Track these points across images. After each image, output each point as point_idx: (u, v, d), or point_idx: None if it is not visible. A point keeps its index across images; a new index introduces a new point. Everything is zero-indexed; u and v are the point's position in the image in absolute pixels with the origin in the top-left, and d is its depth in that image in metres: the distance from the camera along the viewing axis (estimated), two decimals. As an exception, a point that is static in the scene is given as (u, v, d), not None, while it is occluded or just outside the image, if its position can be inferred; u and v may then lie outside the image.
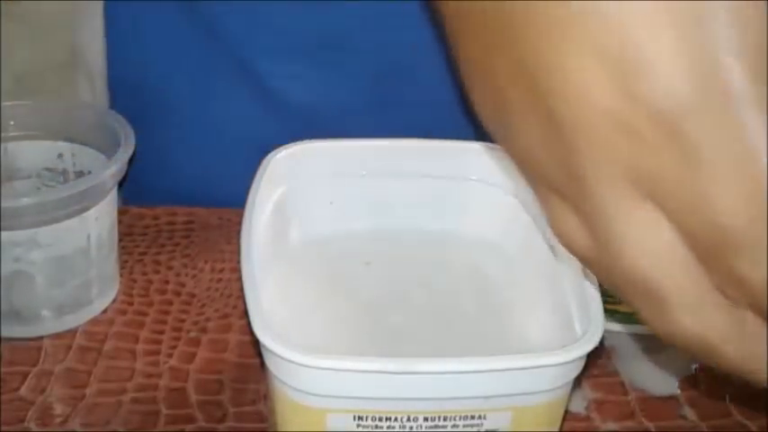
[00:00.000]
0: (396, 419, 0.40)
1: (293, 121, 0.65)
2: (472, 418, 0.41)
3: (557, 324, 0.45)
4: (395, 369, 0.38)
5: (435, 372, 0.39)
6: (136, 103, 0.67)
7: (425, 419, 0.40)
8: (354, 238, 0.51)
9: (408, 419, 0.40)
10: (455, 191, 0.51)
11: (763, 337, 0.29)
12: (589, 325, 0.41)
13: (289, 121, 0.65)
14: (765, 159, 0.26)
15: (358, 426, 0.40)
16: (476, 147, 0.51)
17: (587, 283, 0.43)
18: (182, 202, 0.65)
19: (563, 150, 0.30)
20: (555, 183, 0.32)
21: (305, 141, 0.51)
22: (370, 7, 0.62)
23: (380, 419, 0.40)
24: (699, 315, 0.30)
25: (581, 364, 0.40)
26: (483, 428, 0.41)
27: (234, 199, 0.55)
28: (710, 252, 0.28)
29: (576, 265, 0.44)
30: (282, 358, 0.38)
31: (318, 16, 0.63)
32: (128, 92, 0.69)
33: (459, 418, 0.40)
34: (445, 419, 0.40)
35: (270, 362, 0.40)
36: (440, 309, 0.48)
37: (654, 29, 0.27)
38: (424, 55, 0.63)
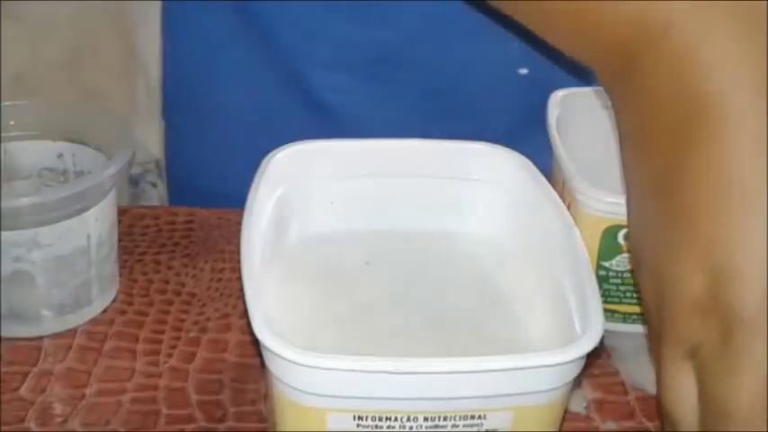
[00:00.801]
0: (396, 419, 0.40)
1: (340, 132, 0.66)
2: (472, 418, 0.41)
3: (557, 324, 0.45)
4: (395, 369, 0.38)
5: (435, 372, 0.39)
6: (188, 104, 0.69)
7: (425, 419, 0.40)
8: (354, 238, 0.51)
9: (408, 419, 0.40)
10: (455, 191, 0.51)
11: None
12: (589, 325, 0.41)
13: (336, 132, 0.66)
14: None
15: (358, 426, 0.40)
16: (476, 147, 0.51)
17: (587, 283, 0.43)
18: (226, 204, 0.66)
19: (658, 310, 0.39)
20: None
21: (305, 141, 0.51)
22: (422, 24, 0.63)
23: (380, 419, 0.40)
24: None
25: (581, 363, 0.40)
26: (483, 428, 0.41)
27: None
28: (711, 415, 0.36)
29: (576, 265, 0.44)
30: (282, 358, 0.38)
31: (372, 31, 0.64)
32: (180, 92, 0.70)
33: (459, 418, 0.40)
34: (445, 419, 0.40)
35: (270, 362, 0.40)
36: (439, 308, 0.48)
37: (748, 251, 0.35)
38: (472, 73, 0.64)
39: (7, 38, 1.48)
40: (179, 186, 0.75)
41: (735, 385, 0.35)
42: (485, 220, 0.51)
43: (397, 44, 0.64)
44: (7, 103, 0.57)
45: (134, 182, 0.80)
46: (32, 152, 0.58)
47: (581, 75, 0.59)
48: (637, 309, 0.55)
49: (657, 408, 0.40)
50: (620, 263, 0.53)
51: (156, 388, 0.52)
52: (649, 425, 0.50)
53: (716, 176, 0.35)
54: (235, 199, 0.66)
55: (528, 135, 0.56)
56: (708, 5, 0.37)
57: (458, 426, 0.41)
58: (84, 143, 0.57)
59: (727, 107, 0.36)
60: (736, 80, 0.36)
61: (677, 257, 0.37)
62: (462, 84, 0.65)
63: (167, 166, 0.76)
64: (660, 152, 0.38)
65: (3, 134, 0.57)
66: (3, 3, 1.45)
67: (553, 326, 0.46)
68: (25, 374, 0.52)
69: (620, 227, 0.52)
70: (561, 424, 0.43)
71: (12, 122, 0.57)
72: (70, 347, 0.54)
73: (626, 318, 0.55)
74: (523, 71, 0.65)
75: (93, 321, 0.56)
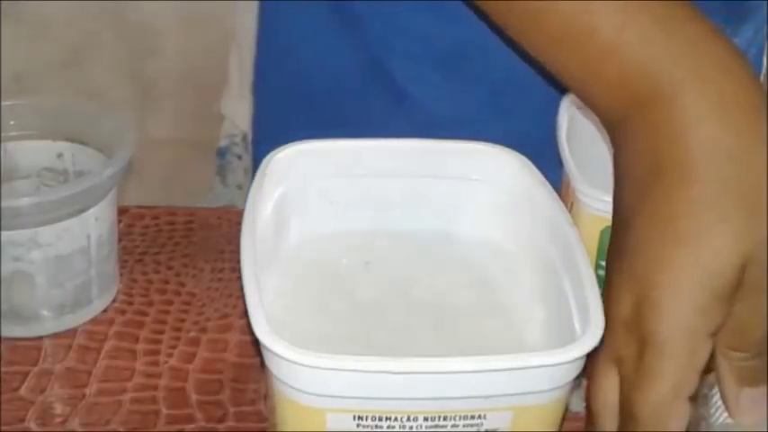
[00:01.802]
0: (396, 419, 0.40)
1: (418, 122, 0.67)
2: (472, 417, 0.41)
3: (556, 324, 0.45)
4: (395, 369, 0.38)
5: (435, 372, 0.39)
6: (277, 83, 0.72)
7: (425, 419, 0.40)
8: (354, 238, 0.51)
9: (408, 419, 0.40)
10: (455, 190, 0.51)
11: None
12: (589, 325, 0.41)
13: (414, 122, 0.67)
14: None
15: (358, 426, 0.40)
16: (476, 147, 0.51)
17: (587, 283, 0.43)
18: None
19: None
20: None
21: (305, 141, 0.51)
22: None
23: (380, 419, 0.40)
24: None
25: (581, 363, 0.40)
26: (483, 428, 0.41)
27: None
28: (624, 415, 0.42)
29: (575, 265, 0.44)
30: (282, 358, 0.38)
31: (451, 27, 0.65)
32: (271, 71, 0.72)
33: (459, 418, 0.40)
34: (445, 419, 0.40)
35: (270, 362, 0.40)
36: (439, 308, 0.48)
37: (668, 285, 0.41)
38: (538, 72, 0.65)
39: (7, 38, 1.48)
40: (261, 162, 0.77)
41: (643, 394, 0.41)
42: (484, 220, 0.51)
43: (473, 41, 0.65)
44: (7, 102, 0.57)
45: (221, 154, 0.81)
46: (32, 152, 0.58)
47: None
48: None
49: (586, 402, 0.45)
50: None
51: (156, 388, 0.52)
52: (649, 425, 0.50)
53: (658, 223, 0.41)
54: None
55: None
56: (706, 88, 0.42)
57: (458, 426, 0.41)
58: (84, 143, 0.57)
59: (692, 174, 0.41)
60: (708, 158, 0.41)
61: (617, 283, 0.43)
62: (528, 82, 0.67)
63: (253, 140, 0.78)
64: (628, 194, 0.44)
65: (3, 134, 0.57)
66: (3, 3, 1.45)
67: (553, 326, 0.46)
68: (25, 374, 0.52)
69: None
70: (561, 424, 0.43)
71: (12, 122, 0.57)
72: (70, 347, 0.54)
73: None
74: None
75: (93, 321, 0.56)
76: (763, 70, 0.71)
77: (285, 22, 0.71)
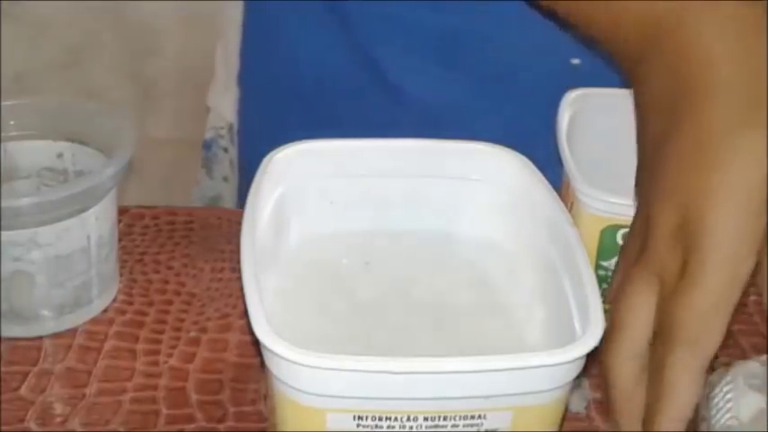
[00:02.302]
0: (396, 419, 0.40)
1: (409, 112, 0.68)
2: (472, 417, 0.41)
3: (556, 324, 0.45)
4: (395, 369, 0.38)
5: (435, 372, 0.39)
6: (263, 75, 0.72)
7: (425, 419, 0.40)
8: (354, 238, 0.51)
9: (408, 419, 0.40)
10: (455, 190, 0.51)
11: None
12: (589, 325, 0.41)
13: (405, 112, 0.68)
14: None
15: (358, 426, 0.40)
16: (476, 147, 0.51)
17: (587, 283, 0.43)
18: None
19: (642, 241, 0.45)
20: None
21: (305, 141, 0.51)
22: (487, 10, 0.65)
23: (380, 419, 0.40)
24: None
25: (581, 363, 0.40)
26: (483, 428, 0.41)
27: None
28: (663, 328, 0.43)
29: (575, 265, 0.44)
30: (282, 358, 0.38)
31: (444, 15, 0.65)
32: (256, 63, 0.73)
33: (459, 418, 0.40)
34: (445, 419, 0.40)
35: (270, 362, 0.40)
36: (439, 308, 0.48)
37: (712, 199, 0.43)
38: (528, 60, 0.66)
39: (7, 38, 1.48)
40: (248, 154, 0.77)
41: (686, 301, 0.42)
42: (484, 220, 0.51)
43: (464, 29, 0.66)
44: (7, 102, 0.57)
45: (207, 146, 0.82)
46: (32, 152, 0.58)
47: None
48: None
49: (612, 320, 0.45)
50: None
51: (156, 388, 0.52)
52: (649, 425, 0.50)
53: (695, 140, 0.44)
54: None
55: None
56: (714, 6, 0.46)
57: (458, 425, 0.41)
58: (84, 143, 0.57)
59: (713, 87, 0.45)
60: (723, 65, 0.45)
61: (660, 201, 0.44)
62: (520, 70, 0.67)
63: (239, 132, 0.78)
64: (658, 121, 0.46)
65: (3, 134, 0.57)
66: (3, 3, 1.45)
67: (553, 326, 0.46)
68: (25, 374, 0.52)
69: (618, 227, 0.52)
70: (561, 424, 0.43)
71: (12, 122, 0.57)
72: (70, 347, 0.54)
73: None
74: (576, 61, 0.67)
75: (93, 321, 0.56)
76: None
77: (271, 14, 0.71)
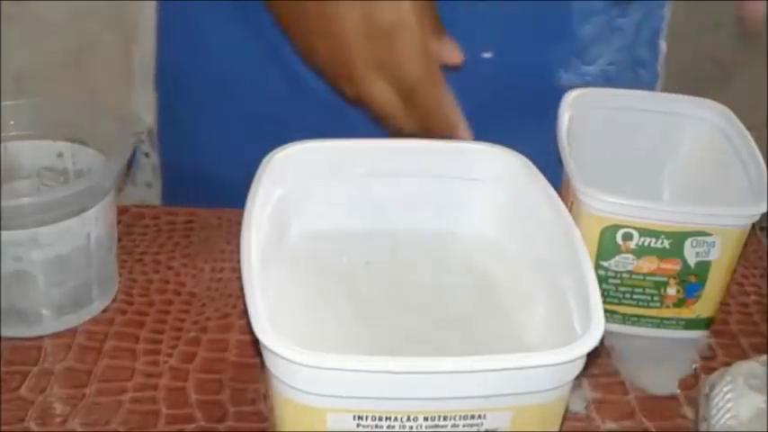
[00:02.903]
0: (396, 419, 0.40)
1: (318, 105, 0.66)
2: (472, 417, 0.41)
3: (556, 324, 0.45)
4: (396, 369, 0.38)
5: (436, 371, 0.39)
6: (179, 77, 0.71)
7: (425, 419, 0.40)
8: (354, 238, 0.51)
9: (408, 419, 0.40)
10: (455, 190, 0.51)
11: None
12: (589, 324, 0.41)
13: (314, 105, 0.67)
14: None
15: (358, 425, 0.40)
16: (476, 147, 0.51)
17: (588, 283, 0.43)
18: (212, 177, 0.67)
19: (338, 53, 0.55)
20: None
21: (304, 141, 0.51)
22: None
23: (380, 419, 0.40)
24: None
25: (581, 363, 0.40)
26: (483, 428, 0.41)
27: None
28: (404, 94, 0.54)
29: (576, 264, 0.44)
30: (282, 358, 0.38)
31: None
32: (172, 65, 0.72)
33: (459, 418, 0.40)
34: (445, 419, 0.40)
35: (270, 361, 0.40)
36: (439, 308, 0.48)
37: None
38: None
39: (7, 38, 1.48)
40: (169, 159, 0.77)
41: (407, 69, 0.53)
42: (484, 220, 0.51)
43: None
44: (7, 102, 0.57)
45: None
46: (32, 152, 0.58)
47: (546, 61, 0.61)
48: (636, 310, 0.55)
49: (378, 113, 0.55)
50: (620, 263, 0.53)
51: (156, 388, 0.52)
52: (649, 425, 0.51)
53: None
54: (220, 170, 0.68)
55: (493, 119, 0.58)
56: None
57: (458, 425, 0.41)
58: (84, 143, 0.57)
59: None
60: None
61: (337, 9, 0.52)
62: None
63: (159, 136, 0.77)
64: None
65: (3, 134, 0.57)
66: (3, 3, 1.45)
67: (553, 326, 0.46)
68: (25, 374, 0.52)
69: (618, 227, 0.52)
70: (562, 423, 0.43)
71: (12, 122, 0.57)
72: (70, 347, 0.54)
73: (625, 319, 0.55)
74: (487, 55, 0.67)
75: (93, 321, 0.56)
76: (661, 55, 0.72)
77: (185, 15, 0.70)
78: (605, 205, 0.51)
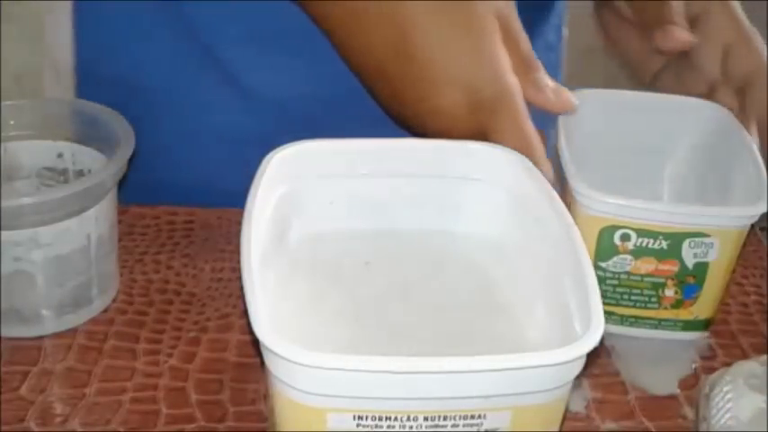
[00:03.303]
0: (396, 419, 0.40)
1: (263, 110, 0.66)
2: (472, 417, 0.41)
3: (556, 323, 0.45)
4: (396, 369, 0.38)
5: (436, 371, 0.39)
6: (104, 96, 0.65)
7: (425, 419, 0.40)
8: (354, 238, 0.51)
9: (408, 419, 0.40)
10: (455, 190, 0.51)
11: None
12: (589, 324, 0.41)
13: (258, 110, 0.66)
14: None
15: (358, 425, 0.40)
16: (476, 147, 0.51)
17: (588, 283, 0.43)
18: (147, 186, 0.66)
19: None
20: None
21: (304, 141, 0.51)
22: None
23: (380, 419, 0.40)
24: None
25: (581, 363, 0.40)
26: (483, 428, 0.41)
27: (212, 193, 0.59)
28: None
29: (576, 264, 0.44)
30: (282, 358, 0.38)
31: (286, 7, 0.61)
32: (96, 84, 0.69)
33: (459, 418, 0.40)
34: (445, 419, 0.40)
35: (270, 361, 0.40)
36: (439, 308, 0.48)
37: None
38: None
39: (7, 38, 1.48)
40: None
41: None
42: (484, 220, 0.51)
43: (304, 22, 0.61)
44: (7, 102, 0.57)
45: None
46: (32, 152, 0.58)
47: None
48: (634, 311, 0.55)
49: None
50: (618, 264, 0.53)
51: (156, 388, 0.52)
52: (649, 425, 0.51)
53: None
54: (161, 175, 0.67)
55: None
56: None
57: (458, 425, 0.41)
58: (84, 143, 0.57)
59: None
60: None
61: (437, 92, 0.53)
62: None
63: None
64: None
65: (3, 134, 0.57)
66: (3, 3, 1.45)
67: (553, 326, 0.46)
68: (25, 374, 0.52)
69: (616, 227, 0.52)
70: (562, 424, 0.43)
71: (12, 122, 0.57)
72: (70, 347, 0.54)
73: (623, 320, 0.55)
74: None
75: (94, 321, 0.56)
76: (563, 40, 0.72)
77: (105, 21, 0.67)
78: (603, 206, 0.51)
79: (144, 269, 0.60)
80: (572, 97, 0.55)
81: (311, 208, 0.51)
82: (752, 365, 0.49)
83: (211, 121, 0.67)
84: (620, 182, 0.56)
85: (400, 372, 0.38)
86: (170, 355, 0.54)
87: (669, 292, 0.54)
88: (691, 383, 0.53)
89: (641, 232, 0.52)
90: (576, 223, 0.48)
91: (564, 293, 0.45)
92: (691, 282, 0.54)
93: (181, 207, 0.65)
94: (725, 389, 0.48)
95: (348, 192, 0.51)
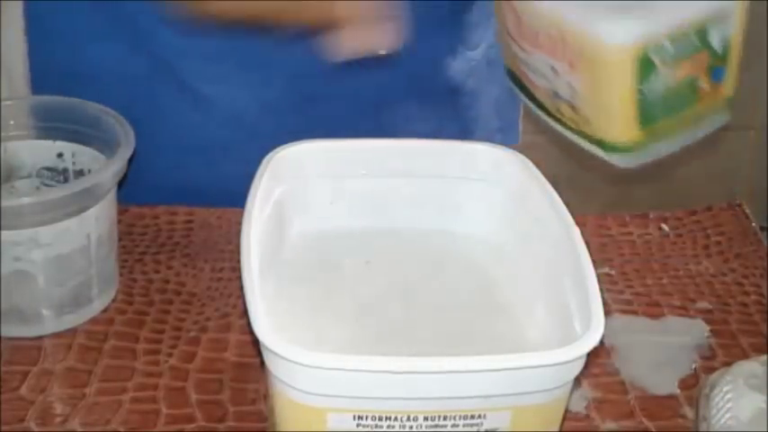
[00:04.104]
0: (396, 419, 0.40)
1: (215, 116, 0.66)
2: (472, 417, 0.41)
3: (556, 323, 0.45)
4: (396, 368, 0.38)
5: (436, 371, 0.39)
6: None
7: (425, 419, 0.40)
8: (354, 237, 0.51)
9: (408, 419, 0.40)
10: (455, 190, 0.51)
11: None
12: (589, 324, 0.41)
13: (210, 118, 0.66)
14: None
15: (358, 425, 0.40)
16: (476, 147, 0.51)
17: (588, 283, 0.43)
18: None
19: None
20: None
21: (304, 141, 0.51)
22: None
23: (380, 419, 0.40)
24: None
25: (581, 363, 0.40)
26: (483, 428, 0.41)
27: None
28: None
29: (577, 264, 0.44)
30: (282, 358, 0.38)
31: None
32: (49, 90, 0.66)
33: (459, 418, 0.40)
34: (445, 419, 0.40)
35: (270, 361, 0.40)
36: (440, 307, 0.48)
37: None
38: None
39: (7, 37, 1.48)
40: None
41: None
42: (484, 219, 0.51)
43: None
44: (7, 102, 0.57)
45: None
46: (32, 151, 0.58)
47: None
48: (675, 120, 0.52)
49: None
50: (658, 80, 0.50)
51: (156, 387, 0.52)
52: (649, 424, 0.51)
53: None
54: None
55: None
56: None
57: (458, 425, 0.41)
58: (84, 143, 0.57)
59: None
60: None
61: None
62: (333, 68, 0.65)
63: None
64: None
65: (3, 134, 0.57)
66: (2, 3, 1.45)
67: (553, 325, 0.46)
68: (25, 374, 0.52)
69: (648, 47, 0.49)
70: (562, 424, 0.43)
71: (12, 122, 0.57)
72: (70, 347, 0.54)
73: (669, 133, 0.53)
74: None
75: (94, 321, 0.56)
76: None
77: (59, 34, 0.67)
78: (631, 32, 0.49)
79: (144, 269, 0.60)
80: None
81: (311, 208, 0.51)
82: (752, 365, 0.49)
83: (158, 123, 0.66)
84: None
85: (400, 372, 0.38)
86: (170, 355, 0.54)
87: (703, 85, 0.52)
88: (691, 383, 0.53)
89: (674, 38, 0.49)
90: (607, 60, 0.47)
91: (564, 293, 0.45)
92: (719, 65, 0.52)
93: (181, 207, 0.65)
94: (725, 389, 0.48)
95: (348, 191, 0.51)
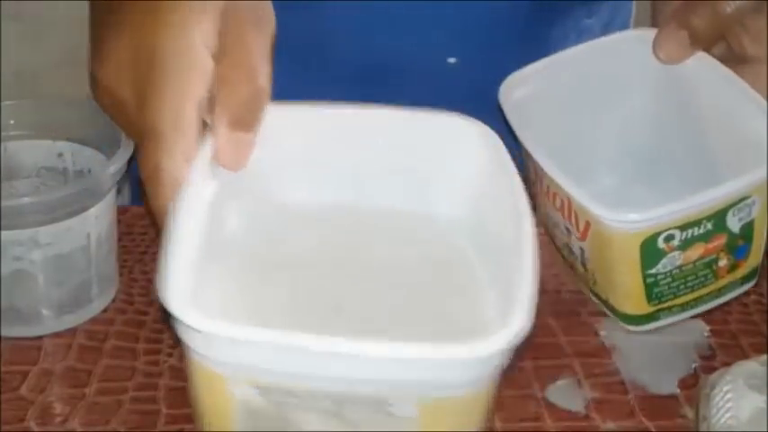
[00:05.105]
0: (300, 396, 0.39)
1: None
2: (377, 403, 0.39)
3: (501, 309, 0.42)
4: (288, 343, 0.37)
5: (338, 352, 0.37)
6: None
7: (330, 400, 0.39)
8: (313, 213, 0.50)
9: (313, 397, 0.39)
10: (419, 166, 0.50)
11: None
12: (509, 321, 0.38)
13: None
14: None
15: (262, 397, 0.39)
16: (445, 119, 0.50)
17: (522, 276, 0.40)
18: None
19: None
20: None
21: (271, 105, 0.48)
22: (353, 13, 0.64)
23: (284, 394, 0.39)
24: None
25: (498, 360, 0.38)
26: (389, 414, 0.39)
27: None
28: None
29: (519, 255, 0.42)
30: (185, 324, 0.38)
31: (299, 18, 0.63)
32: None
33: (364, 402, 0.39)
34: (353, 403, 0.39)
35: (179, 329, 0.40)
36: (395, 285, 0.47)
37: None
38: (399, 60, 0.65)
39: (7, 37, 1.48)
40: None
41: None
42: (447, 198, 0.50)
43: (327, 29, 0.63)
44: (7, 102, 0.57)
45: None
46: (32, 151, 0.58)
47: (511, 62, 0.59)
48: (693, 295, 0.53)
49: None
50: (667, 264, 0.51)
51: (156, 387, 0.52)
52: (649, 424, 0.50)
53: None
54: None
55: None
56: None
57: (362, 409, 0.39)
58: (84, 143, 0.57)
59: None
60: None
61: None
62: (391, 72, 0.65)
63: None
64: None
65: (3, 134, 0.57)
66: (3, 2, 1.45)
67: (499, 311, 0.43)
68: (25, 374, 0.52)
69: (658, 233, 0.49)
70: (483, 421, 0.42)
71: (12, 122, 0.57)
72: (70, 347, 0.54)
73: (685, 307, 0.54)
74: (452, 60, 0.66)
75: (94, 321, 0.56)
76: None
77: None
78: (640, 222, 0.49)
79: (144, 269, 0.59)
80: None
81: (267, 179, 0.49)
82: (752, 365, 0.49)
83: None
84: (586, 153, 0.55)
85: (292, 346, 0.37)
86: (170, 355, 0.53)
87: (722, 263, 0.52)
88: (691, 383, 0.53)
89: (685, 226, 0.49)
90: (610, 243, 0.46)
91: (505, 280, 0.42)
92: (740, 244, 0.52)
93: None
94: (725, 389, 0.48)
95: (307, 163, 0.50)
